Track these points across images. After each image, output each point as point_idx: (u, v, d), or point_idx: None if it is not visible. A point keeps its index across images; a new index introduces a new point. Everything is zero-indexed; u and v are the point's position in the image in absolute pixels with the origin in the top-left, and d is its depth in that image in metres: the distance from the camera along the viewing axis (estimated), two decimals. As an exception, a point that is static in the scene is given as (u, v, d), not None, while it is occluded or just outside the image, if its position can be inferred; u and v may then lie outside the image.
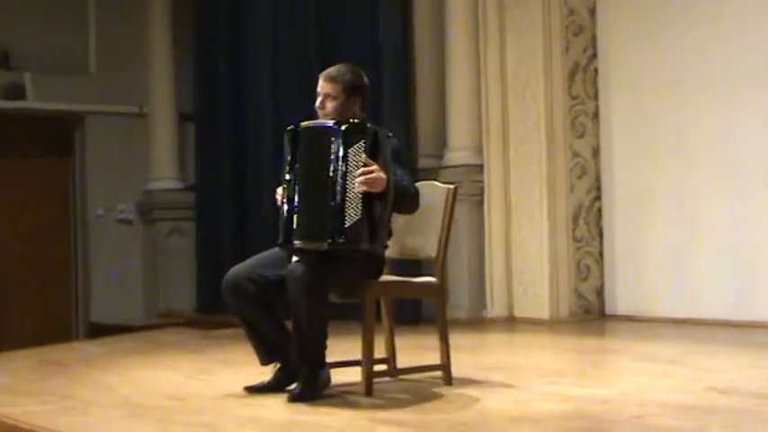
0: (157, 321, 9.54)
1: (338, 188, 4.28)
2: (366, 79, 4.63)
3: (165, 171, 10.41)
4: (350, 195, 4.28)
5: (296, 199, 4.37)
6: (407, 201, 4.49)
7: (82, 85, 10.25)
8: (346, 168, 4.29)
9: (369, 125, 4.39)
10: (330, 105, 4.55)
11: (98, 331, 9.42)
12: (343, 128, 4.35)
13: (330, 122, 4.43)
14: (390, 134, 4.49)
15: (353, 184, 4.27)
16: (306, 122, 4.52)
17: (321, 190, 4.31)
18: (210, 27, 9.90)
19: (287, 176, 4.42)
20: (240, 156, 9.58)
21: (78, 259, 10.34)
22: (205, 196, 9.93)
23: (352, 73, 4.59)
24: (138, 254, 10.43)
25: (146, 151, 10.41)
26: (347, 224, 4.26)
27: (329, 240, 4.27)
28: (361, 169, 4.28)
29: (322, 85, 4.58)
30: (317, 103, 4.57)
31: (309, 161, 4.41)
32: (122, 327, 9.12)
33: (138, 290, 10.35)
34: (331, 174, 4.30)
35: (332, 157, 4.31)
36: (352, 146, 4.31)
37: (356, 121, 4.41)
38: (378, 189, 4.28)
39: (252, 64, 9.46)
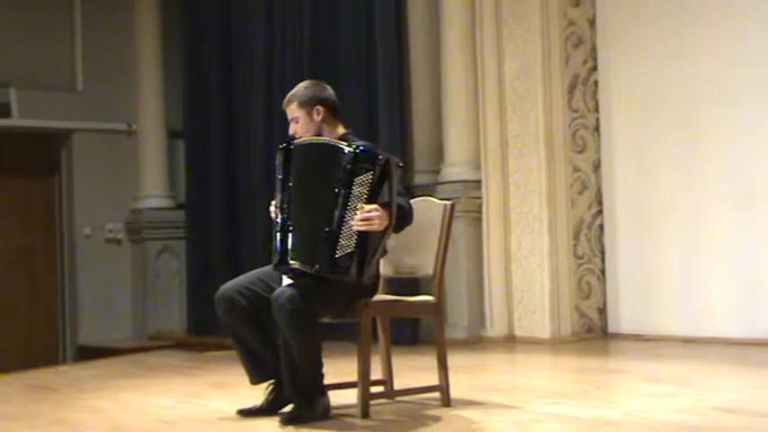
0: (147, 344, 9.54)
1: (336, 214, 4.24)
2: (328, 89, 4.61)
3: (154, 189, 10.42)
4: (345, 226, 4.23)
5: (290, 219, 4.35)
6: (406, 221, 4.46)
7: (68, 102, 10.26)
8: (348, 198, 4.24)
9: (381, 154, 4.31)
10: (295, 128, 4.55)
11: (86, 354, 9.43)
12: (352, 152, 4.27)
13: (341, 144, 4.34)
14: (401, 164, 4.42)
15: (352, 216, 4.22)
16: (302, 139, 4.52)
17: (318, 212, 4.28)
18: (201, 42, 9.92)
19: (279, 195, 4.40)
20: (232, 172, 9.59)
21: (65, 280, 10.33)
22: (196, 214, 9.94)
23: (305, 87, 4.61)
24: (127, 274, 10.43)
25: (134, 169, 10.43)
26: (338, 254, 4.23)
27: (317, 266, 4.26)
28: (363, 213, 4.20)
29: (288, 112, 4.60)
30: (290, 131, 4.58)
31: (307, 180, 4.37)
32: (111, 349, 9.12)
33: (127, 311, 10.34)
34: (331, 198, 4.25)
35: (335, 180, 4.26)
36: (358, 175, 4.25)
37: (367, 146, 4.34)
38: (378, 228, 4.25)
39: (243, 79, 9.48)
